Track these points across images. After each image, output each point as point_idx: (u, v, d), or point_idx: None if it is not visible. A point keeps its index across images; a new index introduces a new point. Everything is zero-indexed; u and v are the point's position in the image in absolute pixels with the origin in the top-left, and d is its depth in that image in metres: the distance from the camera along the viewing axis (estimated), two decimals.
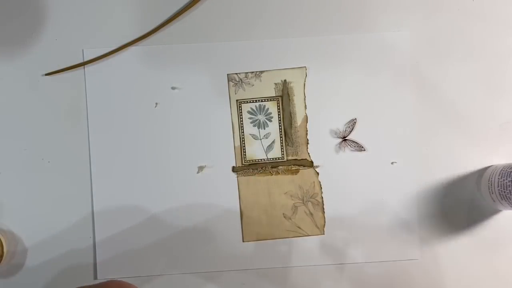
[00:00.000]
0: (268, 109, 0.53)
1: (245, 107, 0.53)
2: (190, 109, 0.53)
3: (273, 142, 0.54)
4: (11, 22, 0.53)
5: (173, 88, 0.53)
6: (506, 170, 0.49)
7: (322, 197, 0.53)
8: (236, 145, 0.53)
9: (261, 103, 0.53)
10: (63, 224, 0.53)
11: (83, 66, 0.53)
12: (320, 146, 0.53)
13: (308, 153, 0.53)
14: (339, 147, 0.53)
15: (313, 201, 0.53)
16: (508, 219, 0.53)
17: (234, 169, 0.53)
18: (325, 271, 0.53)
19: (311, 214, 0.53)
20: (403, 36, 0.53)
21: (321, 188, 0.53)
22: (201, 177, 0.53)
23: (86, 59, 0.53)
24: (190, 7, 0.53)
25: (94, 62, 0.53)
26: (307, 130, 0.53)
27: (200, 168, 0.53)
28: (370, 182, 0.53)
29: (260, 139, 0.54)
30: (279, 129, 0.53)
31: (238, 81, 0.53)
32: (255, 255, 0.53)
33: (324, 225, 0.53)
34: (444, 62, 0.53)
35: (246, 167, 0.53)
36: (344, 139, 0.53)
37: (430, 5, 0.53)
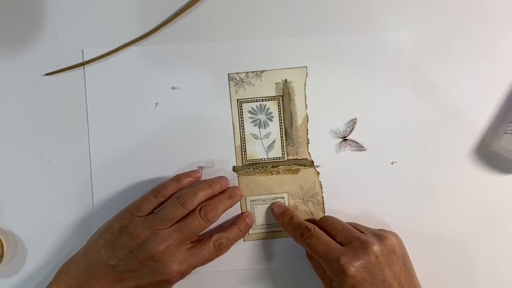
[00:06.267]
0: (268, 108, 0.53)
1: (246, 107, 0.53)
2: (190, 109, 0.53)
3: (274, 141, 0.53)
4: (11, 22, 0.53)
5: (173, 88, 0.53)
6: None
7: (323, 197, 0.53)
8: (236, 144, 0.53)
9: (261, 102, 0.53)
10: (63, 224, 0.53)
11: (83, 66, 0.53)
12: (320, 146, 0.53)
13: (309, 153, 0.53)
14: (340, 147, 0.53)
15: (314, 200, 0.53)
16: (510, 220, 0.54)
17: (234, 169, 0.53)
18: None
19: (312, 213, 0.53)
20: (403, 36, 0.53)
21: (321, 187, 0.53)
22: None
23: (86, 59, 0.53)
24: (190, 7, 0.53)
25: (94, 62, 0.53)
26: (307, 130, 0.53)
27: (200, 168, 0.53)
28: (370, 182, 0.53)
29: (261, 139, 0.54)
30: (280, 128, 0.53)
31: (239, 81, 0.53)
32: (255, 255, 0.53)
33: None
34: (444, 62, 0.53)
35: (247, 167, 0.53)
36: (344, 139, 0.53)
37: (430, 5, 0.53)
